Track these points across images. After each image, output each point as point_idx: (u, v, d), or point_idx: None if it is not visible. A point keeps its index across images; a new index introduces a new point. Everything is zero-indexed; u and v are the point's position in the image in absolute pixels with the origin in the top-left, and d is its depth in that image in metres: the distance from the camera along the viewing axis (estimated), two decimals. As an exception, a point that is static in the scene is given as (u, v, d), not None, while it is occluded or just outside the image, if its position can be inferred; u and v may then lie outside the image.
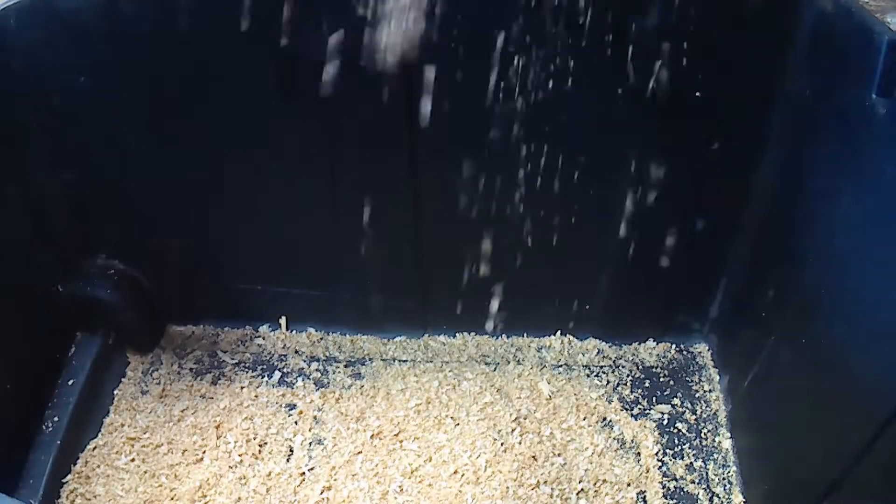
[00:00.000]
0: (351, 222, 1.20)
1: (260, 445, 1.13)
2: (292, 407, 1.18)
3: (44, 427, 1.10)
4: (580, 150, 1.12)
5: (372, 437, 1.16)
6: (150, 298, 1.26)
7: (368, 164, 1.14)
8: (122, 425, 1.16)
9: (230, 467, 1.10)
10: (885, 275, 0.86)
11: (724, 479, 1.13)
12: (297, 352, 1.28)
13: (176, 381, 1.22)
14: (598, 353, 1.29)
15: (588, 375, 1.25)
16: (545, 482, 1.11)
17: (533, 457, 1.13)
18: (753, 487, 1.11)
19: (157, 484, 1.09)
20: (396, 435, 1.16)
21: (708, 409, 1.22)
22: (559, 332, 1.32)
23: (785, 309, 1.08)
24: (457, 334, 1.32)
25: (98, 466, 1.11)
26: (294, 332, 1.31)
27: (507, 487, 1.10)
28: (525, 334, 1.32)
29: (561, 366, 1.26)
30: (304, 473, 1.11)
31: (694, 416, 1.20)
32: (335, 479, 1.11)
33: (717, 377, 1.26)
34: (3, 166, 1.05)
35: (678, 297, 1.29)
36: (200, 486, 1.09)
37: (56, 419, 1.11)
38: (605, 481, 1.12)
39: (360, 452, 1.14)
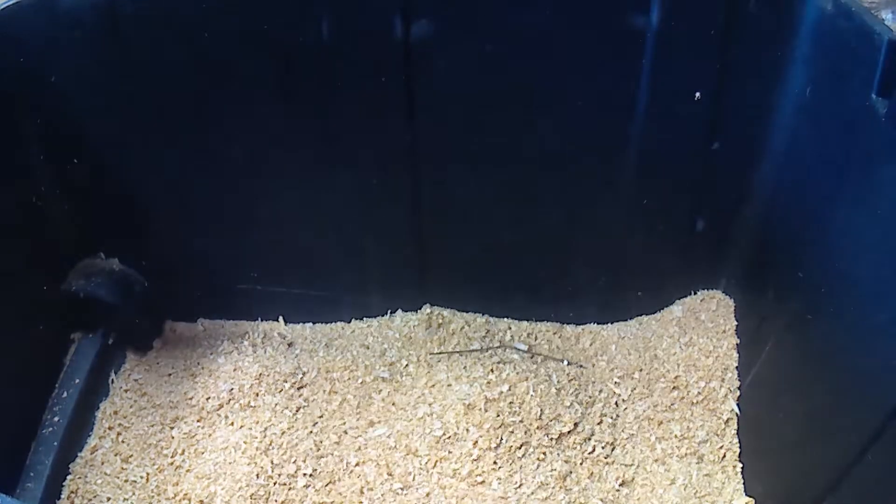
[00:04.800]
0: (351, 221, 1.21)
1: (261, 442, 1.12)
2: (294, 405, 1.18)
3: (44, 427, 1.10)
4: (579, 149, 1.13)
5: (373, 428, 1.16)
6: (149, 298, 1.26)
7: (368, 163, 1.15)
8: (122, 425, 1.16)
9: (230, 464, 1.10)
10: (886, 275, 0.86)
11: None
12: (297, 349, 1.28)
13: (175, 379, 1.22)
14: (599, 344, 1.30)
15: (586, 367, 1.25)
16: (552, 476, 1.11)
17: (543, 452, 1.13)
18: (754, 487, 1.11)
19: (158, 482, 1.09)
20: (408, 430, 1.17)
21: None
22: (559, 322, 1.32)
23: (785, 309, 1.08)
24: (458, 331, 1.31)
25: (98, 466, 1.11)
26: (295, 329, 1.31)
27: (517, 480, 1.10)
28: (526, 322, 1.32)
29: (561, 357, 1.26)
30: (306, 468, 1.11)
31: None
32: (338, 475, 1.11)
33: (717, 377, 1.26)
34: (3, 166, 1.05)
35: (677, 296, 1.29)
36: (201, 483, 1.09)
37: (56, 419, 1.11)
38: (605, 480, 1.13)
39: (360, 448, 1.15)
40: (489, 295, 1.30)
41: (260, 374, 1.21)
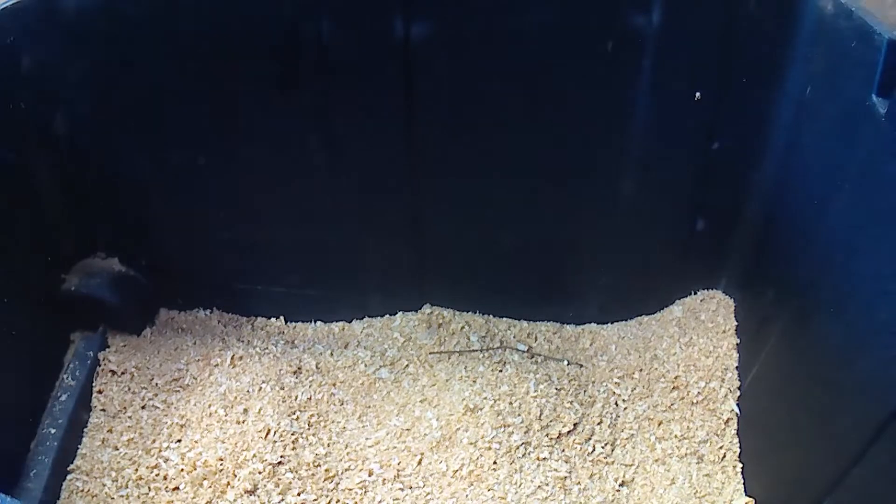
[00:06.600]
0: (351, 221, 1.21)
1: (261, 441, 1.12)
2: (294, 404, 1.18)
3: (44, 427, 1.10)
4: (579, 149, 1.13)
5: (373, 428, 1.16)
6: (149, 298, 1.26)
7: (368, 163, 1.15)
8: (121, 425, 1.16)
9: (230, 463, 1.10)
10: (885, 274, 0.86)
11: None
12: (298, 348, 1.28)
13: (176, 378, 1.22)
14: (599, 344, 1.30)
15: (586, 367, 1.25)
16: (552, 476, 1.11)
17: (543, 452, 1.13)
18: (754, 487, 1.11)
19: (158, 482, 1.09)
20: (407, 429, 1.17)
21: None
22: (559, 322, 1.32)
23: (785, 309, 1.08)
24: (458, 331, 1.31)
25: (98, 466, 1.11)
26: (296, 329, 1.31)
27: (517, 480, 1.10)
28: (526, 322, 1.32)
29: (561, 357, 1.26)
30: (306, 467, 1.11)
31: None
32: (338, 475, 1.11)
33: (717, 377, 1.26)
34: (3, 166, 1.05)
35: (677, 296, 1.29)
36: (201, 478, 1.09)
37: (57, 419, 1.11)
38: (605, 480, 1.13)
39: (360, 448, 1.15)
40: (489, 295, 1.30)
41: (261, 373, 1.21)
